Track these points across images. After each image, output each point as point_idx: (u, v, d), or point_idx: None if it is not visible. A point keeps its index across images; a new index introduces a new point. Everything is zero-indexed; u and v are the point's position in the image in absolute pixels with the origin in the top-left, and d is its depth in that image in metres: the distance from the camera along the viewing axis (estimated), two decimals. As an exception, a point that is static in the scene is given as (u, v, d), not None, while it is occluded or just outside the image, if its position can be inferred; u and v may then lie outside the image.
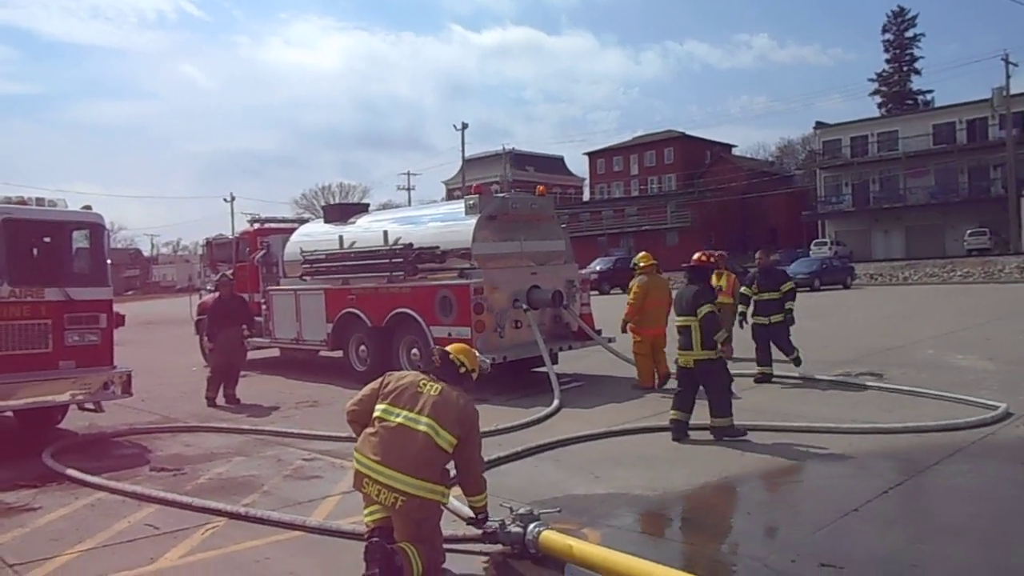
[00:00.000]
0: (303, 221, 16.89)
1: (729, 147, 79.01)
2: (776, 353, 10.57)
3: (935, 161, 52.94)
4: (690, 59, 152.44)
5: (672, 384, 9.00)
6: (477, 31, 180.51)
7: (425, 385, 4.62)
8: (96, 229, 8.85)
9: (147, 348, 18.88)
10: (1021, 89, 47.41)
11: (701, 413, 7.65)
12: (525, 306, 10.84)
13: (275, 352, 15.53)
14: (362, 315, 11.99)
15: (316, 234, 14.02)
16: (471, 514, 4.87)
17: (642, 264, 10.75)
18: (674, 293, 9.18)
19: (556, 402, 9.25)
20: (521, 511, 4.71)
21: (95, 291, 8.63)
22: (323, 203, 69.24)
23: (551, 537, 4.48)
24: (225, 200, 78.90)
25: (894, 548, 4.72)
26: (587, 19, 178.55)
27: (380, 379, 4.79)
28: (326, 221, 14.37)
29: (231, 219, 71.14)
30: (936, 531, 5.11)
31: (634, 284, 10.69)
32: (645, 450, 7.28)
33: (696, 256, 8.34)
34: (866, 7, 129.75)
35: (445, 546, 4.63)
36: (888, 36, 70.01)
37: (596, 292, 28.05)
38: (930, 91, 69.43)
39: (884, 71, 71.05)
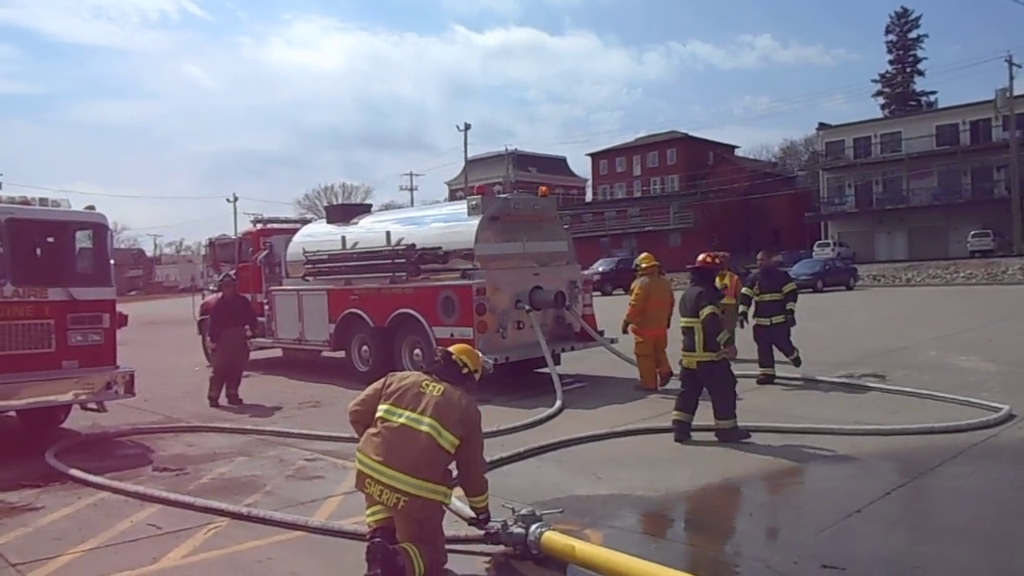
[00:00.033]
0: (306, 221, 16.89)
1: (732, 148, 79.02)
2: (777, 354, 10.56)
3: (938, 162, 52.88)
4: (693, 60, 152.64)
5: (674, 384, 8.99)
6: (480, 32, 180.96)
7: (428, 385, 4.62)
8: (99, 229, 8.86)
9: (150, 348, 18.90)
10: (1025, 90, 47.36)
11: (704, 414, 7.65)
12: (527, 307, 10.83)
13: (277, 352, 15.55)
14: (364, 315, 11.99)
15: (319, 234, 14.03)
16: (473, 515, 4.87)
17: (644, 265, 10.75)
18: (677, 294, 9.17)
19: (558, 403, 9.25)
20: (523, 512, 4.71)
21: (98, 291, 8.64)
22: (326, 203, 69.35)
23: (553, 538, 4.48)
24: (228, 200, 79.00)
25: (897, 550, 4.72)
26: (590, 20, 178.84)
27: (383, 379, 4.79)
28: (329, 221, 14.38)
29: (234, 219, 71.30)
30: (939, 533, 5.11)
31: (636, 285, 10.69)
32: (647, 451, 7.28)
33: (701, 257, 8.32)
34: (869, 8, 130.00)
35: (447, 547, 4.63)
36: (891, 37, 70.01)
37: (598, 293, 28.08)
38: (933, 92, 69.54)
39: (887, 72, 71.03)
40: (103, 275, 8.81)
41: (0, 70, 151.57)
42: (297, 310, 13.39)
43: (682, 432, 7.58)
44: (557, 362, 10.93)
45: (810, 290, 31.22)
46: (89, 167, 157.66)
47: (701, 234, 56.82)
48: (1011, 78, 46.69)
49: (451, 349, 4.93)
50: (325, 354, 13.79)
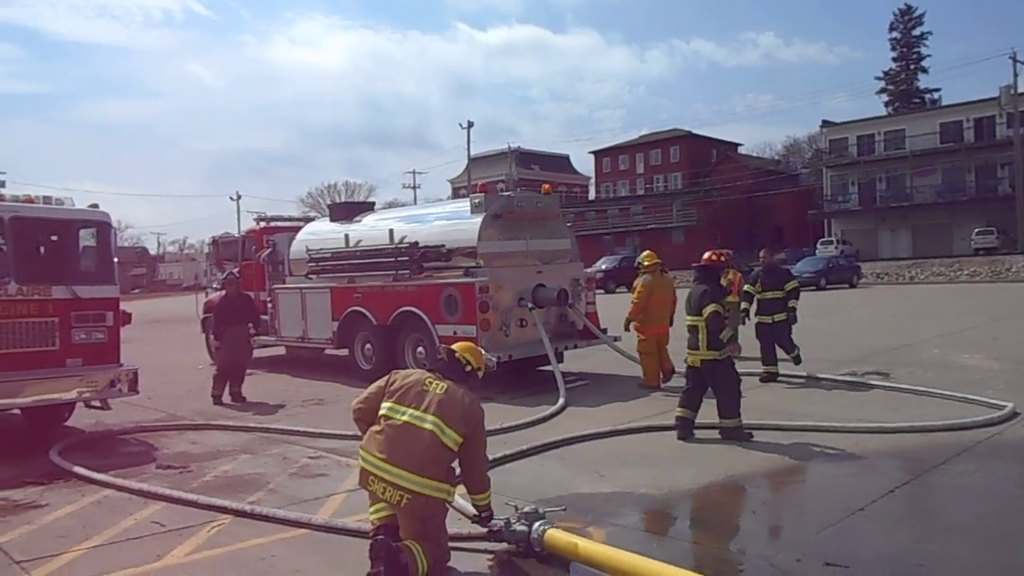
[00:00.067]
0: (309, 220, 16.89)
1: (735, 146, 78.85)
2: (779, 352, 10.55)
3: (942, 160, 52.74)
4: (696, 57, 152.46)
5: (676, 382, 8.99)
6: (483, 30, 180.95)
7: (431, 383, 4.63)
8: (103, 227, 8.88)
9: (153, 346, 18.95)
10: (1029, 88, 47.20)
11: (707, 412, 7.64)
12: (530, 305, 10.83)
13: (281, 350, 15.57)
14: (368, 313, 12.00)
15: (322, 233, 14.05)
16: (476, 512, 4.87)
17: (646, 263, 10.75)
18: (679, 292, 9.16)
19: (561, 401, 9.25)
20: (526, 509, 4.71)
21: (102, 289, 8.66)
22: (329, 201, 69.42)
23: (556, 536, 4.48)
24: (231, 199, 79.07)
25: (900, 547, 4.71)
26: (593, 17, 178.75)
27: (386, 377, 4.79)
28: (332, 220, 14.39)
29: (237, 218, 71.24)
30: (942, 531, 5.10)
31: (638, 283, 10.68)
32: (650, 449, 7.28)
33: (706, 256, 8.29)
34: (873, 5, 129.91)
35: (450, 544, 4.63)
36: (895, 34, 69.78)
37: (601, 291, 28.03)
38: (937, 89, 69.25)
39: (891, 69, 70.80)
40: (107, 273, 8.83)
41: (4, 69, 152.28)
42: (300, 308, 13.41)
43: (685, 429, 7.58)
44: (560, 360, 10.93)
45: (813, 288, 31.17)
46: (93, 166, 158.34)
47: (704, 232, 56.79)
48: (1015, 75, 46.44)
49: (454, 347, 4.93)
50: (328, 352, 13.79)
